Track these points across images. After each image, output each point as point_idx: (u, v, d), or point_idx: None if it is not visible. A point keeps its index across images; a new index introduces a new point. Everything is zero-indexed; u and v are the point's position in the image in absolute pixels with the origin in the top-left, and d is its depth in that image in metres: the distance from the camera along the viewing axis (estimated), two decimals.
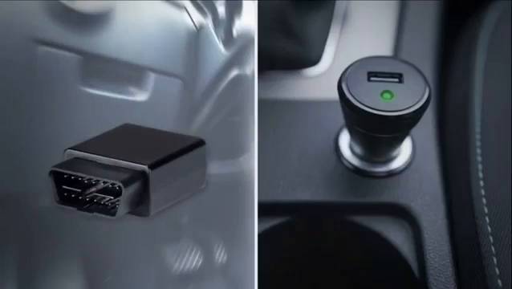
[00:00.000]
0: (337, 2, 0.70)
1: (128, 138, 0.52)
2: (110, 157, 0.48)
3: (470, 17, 0.70)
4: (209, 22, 0.60)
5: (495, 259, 0.52)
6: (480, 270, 0.52)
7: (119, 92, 0.56)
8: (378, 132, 0.54)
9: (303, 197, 0.58)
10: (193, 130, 0.57)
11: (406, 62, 0.55)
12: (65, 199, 0.47)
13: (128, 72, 0.57)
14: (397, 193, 0.58)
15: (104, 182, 0.47)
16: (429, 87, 0.53)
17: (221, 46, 0.59)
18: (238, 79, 0.58)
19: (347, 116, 0.55)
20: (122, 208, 0.46)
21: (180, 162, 0.51)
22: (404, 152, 0.59)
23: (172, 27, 0.59)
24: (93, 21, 0.56)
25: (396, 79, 0.53)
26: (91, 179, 0.47)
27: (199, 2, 0.60)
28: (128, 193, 0.46)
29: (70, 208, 0.47)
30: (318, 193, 0.58)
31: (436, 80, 0.65)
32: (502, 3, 0.68)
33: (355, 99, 0.52)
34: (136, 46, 0.58)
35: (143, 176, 0.47)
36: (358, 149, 0.59)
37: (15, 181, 0.51)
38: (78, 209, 0.47)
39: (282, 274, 0.61)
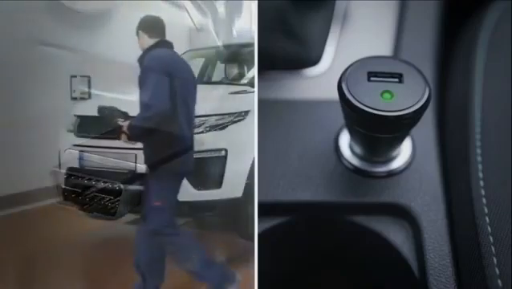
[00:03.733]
0: (337, 2, 0.70)
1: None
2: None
3: (470, 17, 0.70)
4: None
5: (495, 259, 0.52)
6: (480, 270, 0.52)
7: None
8: (378, 132, 0.54)
9: (303, 197, 0.58)
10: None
11: (406, 62, 0.55)
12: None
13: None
14: (397, 193, 0.58)
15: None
16: (429, 87, 0.53)
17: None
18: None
19: (347, 116, 0.55)
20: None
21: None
22: (404, 152, 0.59)
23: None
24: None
25: (396, 79, 0.53)
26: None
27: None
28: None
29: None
30: (318, 193, 0.58)
31: (436, 80, 0.64)
32: (502, 3, 0.68)
33: (355, 99, 0.52)
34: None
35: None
36: (358, 149, 0.59)
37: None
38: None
39: (282, 274, 0.61)
